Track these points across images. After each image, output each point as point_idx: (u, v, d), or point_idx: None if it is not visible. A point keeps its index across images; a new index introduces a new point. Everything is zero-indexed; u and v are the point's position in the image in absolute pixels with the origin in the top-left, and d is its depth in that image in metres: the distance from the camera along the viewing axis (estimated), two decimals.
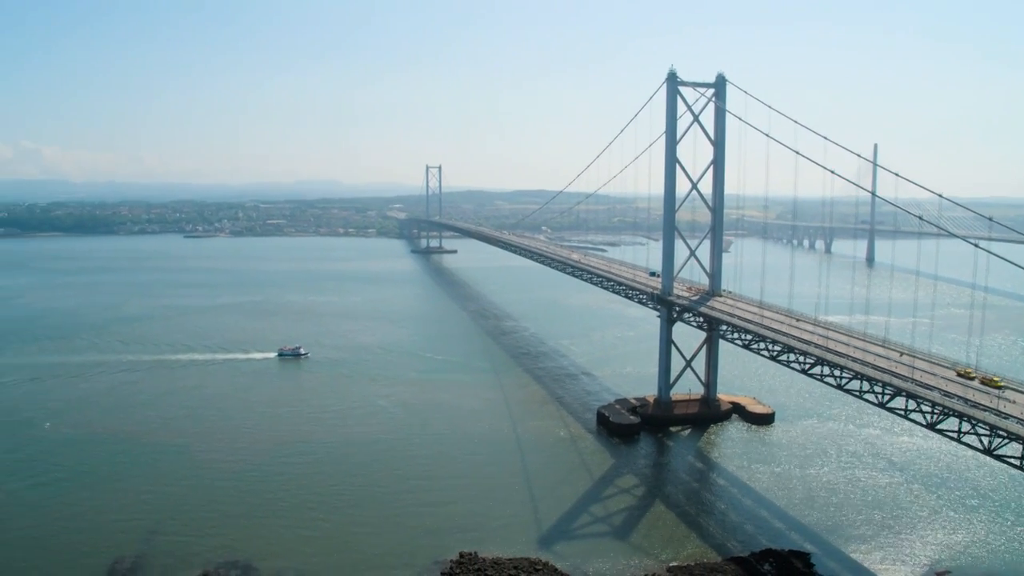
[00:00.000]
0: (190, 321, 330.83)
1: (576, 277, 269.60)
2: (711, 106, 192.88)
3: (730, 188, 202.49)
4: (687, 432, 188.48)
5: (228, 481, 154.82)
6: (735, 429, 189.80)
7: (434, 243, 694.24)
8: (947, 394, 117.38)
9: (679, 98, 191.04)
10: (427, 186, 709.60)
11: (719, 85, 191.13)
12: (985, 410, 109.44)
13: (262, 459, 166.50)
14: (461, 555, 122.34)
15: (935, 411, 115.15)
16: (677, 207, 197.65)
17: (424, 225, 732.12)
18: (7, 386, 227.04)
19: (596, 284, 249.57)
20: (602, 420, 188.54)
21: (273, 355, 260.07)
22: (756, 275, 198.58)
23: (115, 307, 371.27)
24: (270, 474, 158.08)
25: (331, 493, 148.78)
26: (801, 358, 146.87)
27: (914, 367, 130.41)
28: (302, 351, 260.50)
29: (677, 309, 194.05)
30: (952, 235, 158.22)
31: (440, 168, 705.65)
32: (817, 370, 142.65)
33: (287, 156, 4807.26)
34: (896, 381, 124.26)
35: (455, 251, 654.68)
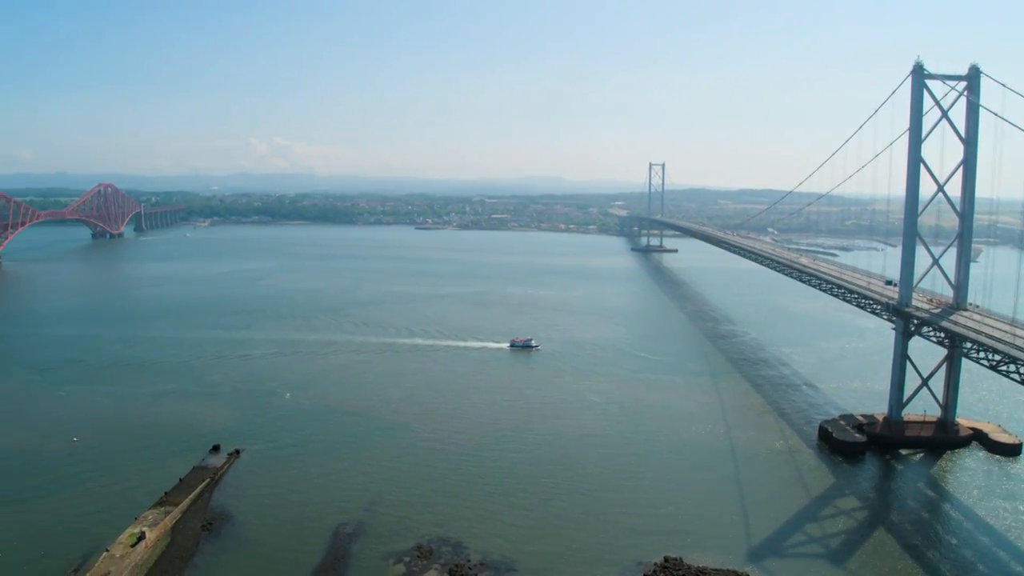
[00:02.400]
0: (418, 308, 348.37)
1: (803, 282, 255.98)
2: (961, 101, 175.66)
3: (981, 191, 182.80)
4: (919, 456, 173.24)
5: (444, 462, 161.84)
6: (975, 458, 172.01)
7: (654, 241, 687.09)
8: None
9: (925, 92, 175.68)
10: (649, 184, 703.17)
11: (972, 77, 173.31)
12: None
13: (477, 444, 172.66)
14: (666, 559, 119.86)
15: None
16: (920, 211, 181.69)
17: (645, 223, 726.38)
18: (255, 358, 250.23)
19: (825, 291, 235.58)
20: (824, 435, 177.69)
21: (505, 345, 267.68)
22: (1009, 288, 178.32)
23: (349, 291, 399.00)
24: (484, 459, 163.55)
25: (540, 483, 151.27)
26: None
27: None
28: (533, 343, 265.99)
29: (915, 322, 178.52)
30: None
31: (663, 166, 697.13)
32: None
33: (514, 153, 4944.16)
34: None
35: (675, 250, 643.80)
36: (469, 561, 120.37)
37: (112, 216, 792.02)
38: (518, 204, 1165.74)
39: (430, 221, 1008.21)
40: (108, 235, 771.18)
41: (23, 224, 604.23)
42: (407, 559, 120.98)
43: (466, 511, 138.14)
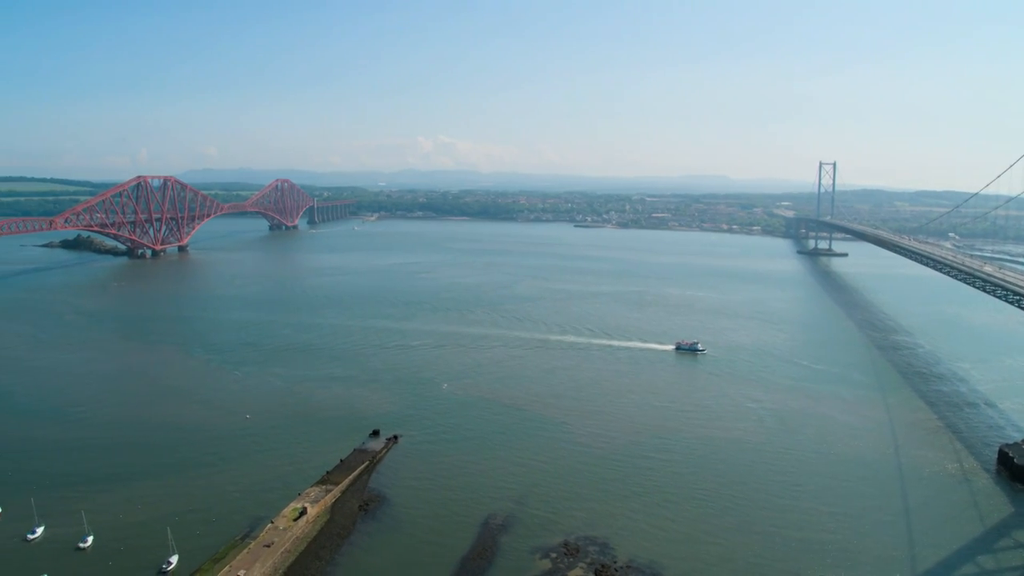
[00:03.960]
0: (574, 305, 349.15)
1: (987, 292, 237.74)
2: None
3: None
4: None
5: (595, 461, 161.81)
6: None
7: (823, 244, 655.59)
8: None
9: None
10: (819, 183, 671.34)
11: None
12: None
13: (629, 445, 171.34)
14: None
15: None
16: None
17: (813, 225, 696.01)
18: (415, 349, 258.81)
19: (1011, 303, 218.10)
20: (1004, 460, 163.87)
21: (670, 347, 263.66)
22: None
23: (507, 287, 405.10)
24: (635, 461, 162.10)
25: (691, 489, 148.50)
26: None
27: None
28: (699, 347, 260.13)
29: None
30: None
31: (834, 165, 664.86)
32: None
33: (676, 150, 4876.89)
34: None
35: (845, 254, 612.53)
36: (616, 562, 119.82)
37: (288, 209, 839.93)
38: (679, 203, 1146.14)
39: (589, 219, 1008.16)
40: (283, 227, 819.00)
41: (208, 216, 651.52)
42: (554, 555, 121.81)
43: (615, 512, 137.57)
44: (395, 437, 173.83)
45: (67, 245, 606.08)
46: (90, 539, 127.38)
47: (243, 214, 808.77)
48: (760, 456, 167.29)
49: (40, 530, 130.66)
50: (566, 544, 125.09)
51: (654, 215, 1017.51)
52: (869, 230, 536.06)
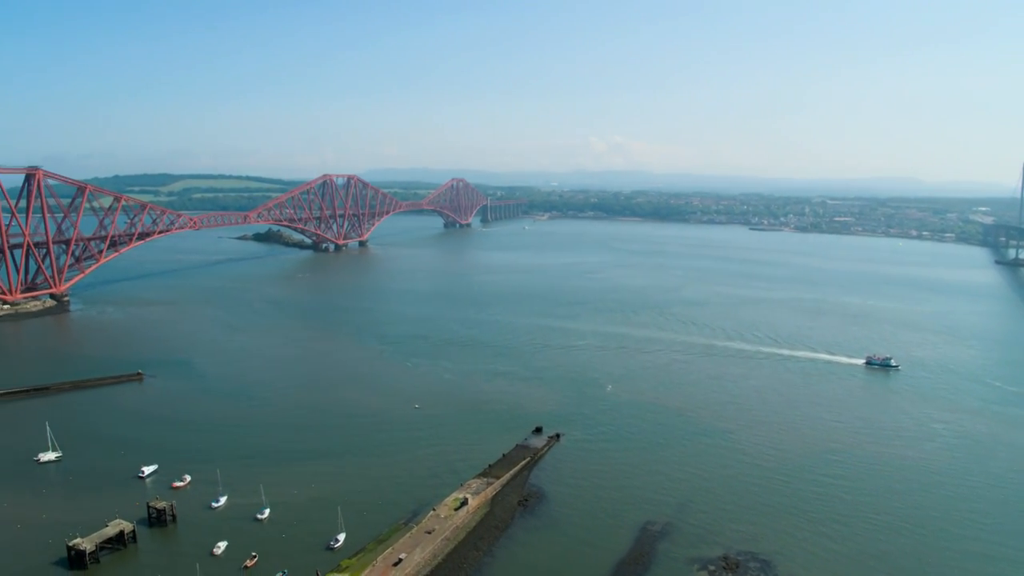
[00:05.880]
0: (744, 311, 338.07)
1: None
2: None
3: None
4: None
5: (761, 475, 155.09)
6: None
7: None
8: None
9: None
10: (1022, 187, 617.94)
11: None
12: None
13: (799, 462, 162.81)
14: None
15: None
16: None
17: (1014, 232, 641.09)
18: (580, 349, 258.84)
19: None
20: None
21: (859, 361, 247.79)
22: None
23: (676, 290, 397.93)
24: (804, 479, 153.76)
25: (861, 512, 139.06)
26: None
27: None
28: (892, 362, 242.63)
29: None
30: None
31: None
32: None
33: (860, 150, 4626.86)
34: None
35: None
36: None
37: (462, 208, 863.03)
38: (863, 207, 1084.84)
39: (765, 222, 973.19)
40: (457, 225, 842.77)
41: (387, 212, 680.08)
42: (712, 568, 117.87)
43: (778, 529, 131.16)
44: (557, 435, 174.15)
45: (259, 238, 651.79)
46: (267, 511, 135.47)
47: (420, 211, 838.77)
48: (943, 484, 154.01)
49: (223, 499, 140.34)
50: (726, 558, 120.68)
51: (835, 219, 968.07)
52: None
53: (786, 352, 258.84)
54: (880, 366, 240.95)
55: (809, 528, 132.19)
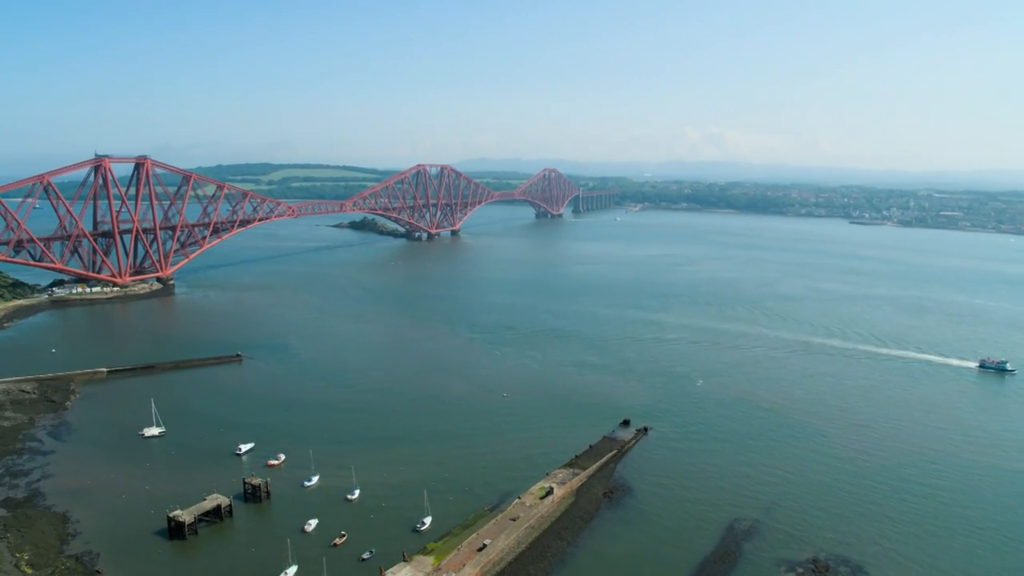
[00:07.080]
0: (842, 307, 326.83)
1: None
2: None
3: None
4: None
5: (855, 477, 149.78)
6: None
7: None
8: None
9: None
10: None
11: None
12: None
13: (896, 466, 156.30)
14: None
15: None
16: None
17: None
18: (671, 343, 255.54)
19: None
20: None
21: (972, 364, 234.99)
22: None
23: (771, 284, 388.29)
24: (901, 484, 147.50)
25: (960, 523, 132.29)
26: None
27: None
28: (1008, 366, 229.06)
29: None
30: None
31: None
32: None
33: (971, 142, 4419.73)
34: None
35: None
36: None
37: (553, 198, 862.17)
38: (973, 201, 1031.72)
39: (867, 215, 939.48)
40: (549, 215, 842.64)
41: (480, 202, 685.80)
42: (800, 570, 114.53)
43: (870, 535, 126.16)
44: (645, 429, 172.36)
45: (354, 226, 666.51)
46: (357, 492, 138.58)
47: (512, 201, 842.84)
48: None
49: (315, 479, 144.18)
50: (815, 561, 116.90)
51: (942, 213, 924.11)
52: None
53: (889, 351, 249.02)
54: (995, 370, 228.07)
55: (901, 536, 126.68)
